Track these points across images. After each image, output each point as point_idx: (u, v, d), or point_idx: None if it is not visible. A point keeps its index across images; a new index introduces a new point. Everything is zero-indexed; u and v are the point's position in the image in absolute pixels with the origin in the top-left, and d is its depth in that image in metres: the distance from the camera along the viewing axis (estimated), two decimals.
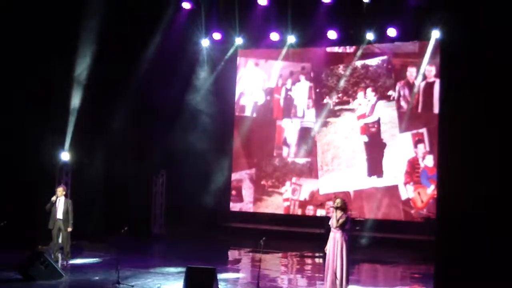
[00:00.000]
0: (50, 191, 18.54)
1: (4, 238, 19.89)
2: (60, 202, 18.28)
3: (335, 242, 14.59)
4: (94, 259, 19.80)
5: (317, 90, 26.93)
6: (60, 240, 18.50)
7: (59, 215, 18.24)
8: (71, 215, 18.32)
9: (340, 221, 14.58)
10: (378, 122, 25.79)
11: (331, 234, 14.74)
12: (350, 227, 15.11)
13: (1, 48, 21.30)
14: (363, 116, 26.04)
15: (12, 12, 21.31)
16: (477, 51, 8.84)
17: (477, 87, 8.85)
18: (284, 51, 27.00)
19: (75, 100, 22.61)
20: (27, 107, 21.73)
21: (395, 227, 24.58)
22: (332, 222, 14.71)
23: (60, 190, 18.46)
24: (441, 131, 9.41)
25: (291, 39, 26.18)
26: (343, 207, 14.70)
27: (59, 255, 18.40)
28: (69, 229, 18.28)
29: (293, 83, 27.45)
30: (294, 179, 27.16)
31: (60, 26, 21.93)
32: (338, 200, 14.75)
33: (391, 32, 24.38)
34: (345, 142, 26.29)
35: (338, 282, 14.53)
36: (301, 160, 27.14)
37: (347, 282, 14.65)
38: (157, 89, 24.59)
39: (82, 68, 22.66)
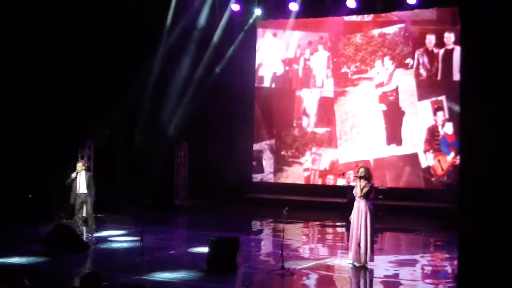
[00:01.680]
0: (73, 165, 18.58)
1: (30, 212, 20.21)
2: (82, 177, 18.26)
3: (359, 211, 14.65)
4: (118, 231, 19.94)
5: (335, 60, 26.88)
6: (84, 214, 18.62)
7: (82, 189, 18.23)
8: (93, 188, 18.41)
9: (364, 190, 14.63)
10: (396, 90, 25.73)
11: (355, 203, 14.82)
12: (374, 196, 15.17)
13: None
14: (381, 84, 25.99)
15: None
16: (497, 16, 8.80)
17: (499, 53, 8.81)
18: (302, 21, 26.97)
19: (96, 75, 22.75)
20: (50, 82, 21.90)
21: (416, 195, 24.62)
22: (356, 191, 14.78)
23: (80, 165, 18.41)
24: (462, 98, 9.38)
25: (309, 9, 26.12)
26: (367, 176, 14.73)
27: (84, 228, 18.49)
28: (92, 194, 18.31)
29: (311, 53, 27.39)
30: (314, 149, 27.18)
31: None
32: (361, 170, 14.80)
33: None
34: (364, 111, 26.26)
35: (362, 251, 14.63)
36: (321, 130, 27.15)
37: (371, 251, 14.73)
38: (177, 62, 24.62)
39: None
